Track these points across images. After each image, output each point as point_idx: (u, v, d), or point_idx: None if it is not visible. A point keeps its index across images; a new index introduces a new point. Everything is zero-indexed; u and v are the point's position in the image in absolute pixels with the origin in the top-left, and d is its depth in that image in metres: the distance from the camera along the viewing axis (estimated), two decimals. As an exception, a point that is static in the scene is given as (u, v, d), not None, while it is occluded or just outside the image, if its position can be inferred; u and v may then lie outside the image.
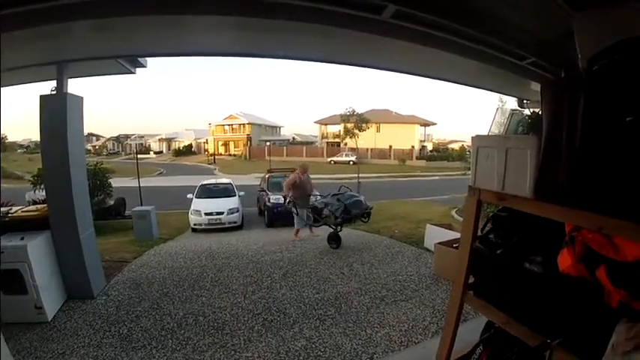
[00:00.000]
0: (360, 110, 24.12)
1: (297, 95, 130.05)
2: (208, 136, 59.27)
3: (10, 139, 57.06)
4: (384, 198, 17.18)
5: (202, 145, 60.17)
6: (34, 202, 7.82)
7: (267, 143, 44.35)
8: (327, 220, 7.73)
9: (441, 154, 45.62)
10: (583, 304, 1.56)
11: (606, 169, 1.48)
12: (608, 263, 1.40)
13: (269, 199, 12.08)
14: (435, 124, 53.02)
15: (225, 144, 58.32)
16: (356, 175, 18.53)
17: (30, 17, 2.78)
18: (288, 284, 5.50)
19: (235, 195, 13.04)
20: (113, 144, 71.85)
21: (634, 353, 1.27)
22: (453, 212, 12.17)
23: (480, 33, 3.51)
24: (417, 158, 43.14)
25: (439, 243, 5.79)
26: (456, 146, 49.36)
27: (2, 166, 27.68)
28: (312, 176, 9.47)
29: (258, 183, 15.82)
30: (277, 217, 11.70)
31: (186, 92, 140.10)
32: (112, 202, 12.28)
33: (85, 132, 6.17)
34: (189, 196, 12.85)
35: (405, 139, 45.11)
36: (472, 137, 2.47)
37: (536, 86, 5.31)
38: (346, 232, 8.97)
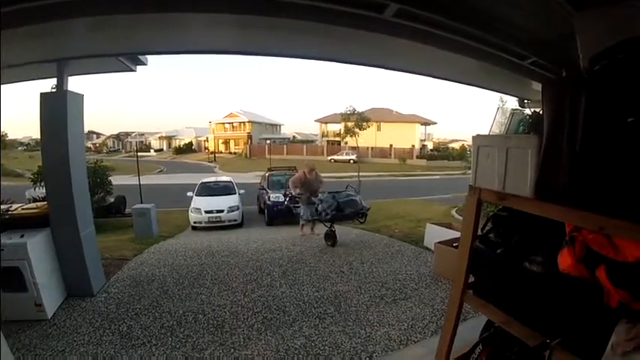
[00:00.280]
0: (360, 109, 24.15)
1: (298, 94, 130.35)
2: (209, 134, 59.32)
3: (11, 136, 57.21)
4: (384, 197, 17.22)
5: (203, 143, 60.20)
6: (34, 200, 7.82)
7: (268, 141, 44.36)
8: (320, 216, 7.85)
9: (441, 153, 45.61)
10: (583, 304, 1.56)
11: (607, 170, 1.47)
12: (608, 263, 1.40)
13: (269, 197, 12.08)
14: (436, 123, 53.12)
15: (226, 142, 58.36)
16: (356, 174, 18.52)
17: (30, 14, 2.78)
18: (288, 282, 5.51)
19: (235, 193, 13.04)
20: (113, 142, 71.88)
21: (633, 354, 1.28)
22: (453, 211, 12.18)
23: (481, 32, 3.50)
24: (417, 157, 43.15)
25: (439, 242, 5.79)
26: (456, 145, 49.38)
27: (3, 164, 27.75)
28: (300, 172, 9.46)
29: (259, 181, 15.82)
30: (277, 216, 11.72)
31: (187, 90, 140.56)
32: (112, 200, 12.30)
33: (86, 130, 6.17)
34: (190, 194, 12.85)
35: (405, 138, 45.13)
36: (473, 137, 2.47)
37: (537, 86, 5.30)
38: (346, 231, 9.02)
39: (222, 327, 4.18)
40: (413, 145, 45.64)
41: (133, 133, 62.93)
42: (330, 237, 7.71)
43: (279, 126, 66.09)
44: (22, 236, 4.27)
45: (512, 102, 7.43)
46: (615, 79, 1.54)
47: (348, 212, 7.64)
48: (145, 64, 5.40)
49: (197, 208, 11.79)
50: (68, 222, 4.73)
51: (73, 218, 4.75)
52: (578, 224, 1.51)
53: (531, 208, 1.77)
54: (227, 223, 11.67)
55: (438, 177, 31.37)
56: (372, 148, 44.01)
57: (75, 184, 4.77)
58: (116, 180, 13.28)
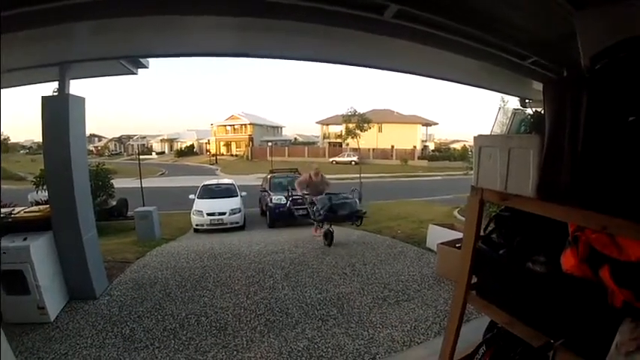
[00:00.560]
0: (361, 110, 24.11)
1: (299, 96, 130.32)
2: (210, 137, 59.34)
3: (13, 140, 57.44)
4: (386, 198, 17.21)
5: (204, 145, 60.27)
6: (37, 203, 7.81)
7: (269, 144, 44.42)
8: (314, 215, 8.15)
9: (443, 154, 45.53)
10: (586, 304, 1.55)
11: (609, 169, 1.47)
12: (612, 263, 1.39)
13: (271, 199, 12.07)
14: (437, 124, 53.00)
15: (227, 144, 58.38)
16: (358, 176, 18.50)
17: (32, 18, 2.79)
18: (291, 284, 5.50)
19: (237, 195, 13.03)
20: (115, 145, 72.00)
21: (638, 353, 1.27)
22: (456, 212, 12.15)
23: (482, 32, 3.51)
24: (418, 158, 43.06)
25: (442, 243, 5.78)
26: (458, 146, 49.33)
27: (5, 167, 27.83)
28: (305, 174, 9.61)
29: (260, 183, 15.81)
30: (279, 218, 11.71)
31: (188, 93, 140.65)
32: (114, 203, 12.31)
33: (87, 133, 6.20)
34: (192, 196, 12.83)
35: (406, 139, 45.07)
36: (474, 137, 2.46)
37: (538, 86, 5.29)
38: (348, 233, 9.04)
39: (225, 329, 4.17)
40: (414, 146, 45.58)
41: (134, 136, 63.25)
42: (328, 236, 7.89)
43: (281, 128, 66.12)
44: (24, 239, 4.28)
45: (513, 102, 7.42)
46: (616, 78, 1.53)
47: (341, 214, 7.76)
48: (146, 67, 5.42)
49: (199, 211, 11.78)
50: (70, 225, 4.74)
51: (76, 221, 4.76)
52: (581, 224, 1.51)
53: (534, 208, 1.76)
54: (229, 226, 11.65)
55: (439, 178, 31.30)
56: (373, 149, 43.99)
57: (77, 187, 4.78)
58: (118, 183, 13.29)
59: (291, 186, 12.17)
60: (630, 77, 1.47)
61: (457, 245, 5.34)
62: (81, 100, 5.04)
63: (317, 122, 54.46)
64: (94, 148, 63.53)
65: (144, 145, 60.55)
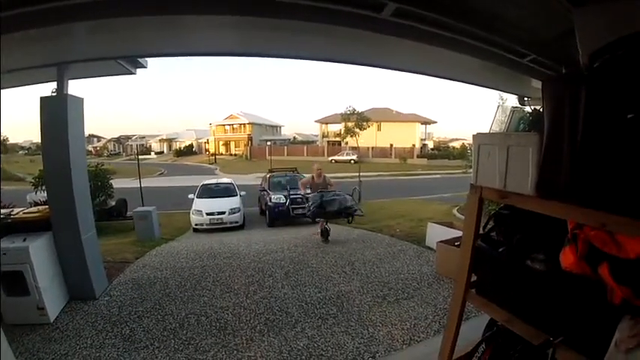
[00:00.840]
0: (360, 109, 24.05)
1: (298, 94, 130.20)
2: (209, 136, 59.36)
3: (12, 140, 57.31)
4: (386, 196, 17.22)
5: (203, 145, 60.27)
6: (36, 204, 7.81)
7: (268, 143, 44.30)
8: (306, 211, 8.59)
9: (442, 152, 45.60)
10: (586, 301, 1.56)
11: (608, 166, 1.47)
12: (611, 260, 1.39)
13: (270, 198, 12.06)
14: (436, 122, 53.09)
15: (226, 144, 58.42)
16: (357, 174, 18.48)
17: (30, 18, 2.78)
18: (290, 284, 5.51)
19: (236, 195, 13.02)
20: (114, 145, 71.98)
21: (637, 350, 1.27)
22: (455, 210, 12.15)
23: (480, 30, 3.50)
24: (417, 157, 43.12)
25: (441, 241, 5.79)
26: (456, 144, 49.37)
27: (4, 168, 27.79)
28: (308, 175, 9.78)
29: (260, 183, 15.80)
30: (278, 217, 11.71)
31: (187, 92, 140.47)
32: (113, 203, 12.27)
33: (86, 133, 6.18)
34: (191, 196, 12.83)
35: (405, 137, 45.13)
36: (473, 135, 2.45)
37: (536, 83, 5.30)
38: (348, 231, 9.09)
39: (225, 329, 4.18)
40: (413, 145, 45.63)
41: (133, 136, 63.07)
42: (324, 234, 8.24)
43: (280, 127, 66.13)
44: (24, 240, 4.28)
45: (512, 100, 7.42)
46: (615, 75, 1.53)
47: (329, 210, 7.90)
48: (144, 66, 5.41)
49: (198, 210, 11.78)
50: (70, 225, 4.73)
51: (75, 222, 4.75)
52: (579, 221, 1.51)
53: (533, 206, 1.77)
54: (228, 225, 11.64)
55: (438, 176, 31.34)
56: (372, 148, 44.01)
57: (76, 187, 4.77)
58: (117, 183, 13.26)
59: (290, 185, 12.19)
60: (629, 75, 1.47)
61: (456, 243, 5.34)
62: (79, 101, 5.02)
63: (316, 121, 54.55)
64: (92, 149, 63.49)
65: (143, 145, 60.43)
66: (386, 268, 6.09)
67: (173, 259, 7.16)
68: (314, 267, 6.28)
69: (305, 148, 49.55)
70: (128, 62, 5.09)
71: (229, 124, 57.96)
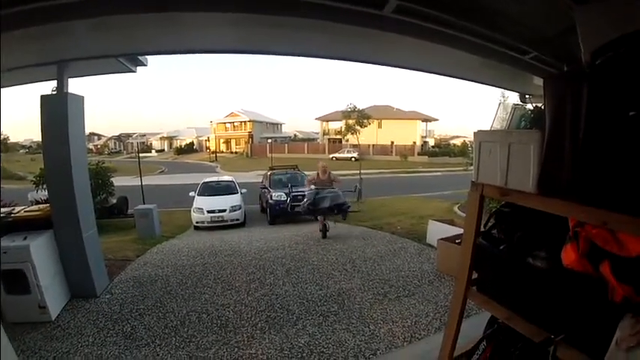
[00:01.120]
0: (361, 106, 24.01)
1: (298, 92, 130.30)
2: (210, 134, 59.37)
3: (13, 139, 57.39)
4: (386, 194, 17.21)
5: (204, 142, 60.26)
6: (37, 202, 7.82)
7: (269, 140, 44.27)
8: (301, 208, 9.00)
9: (442, 149, 45.55)
10: (587, 299, 1.55)
11: (610, 164, 1.46)
12: (612, 258, 1.39)
13: (271, 196, 12.05)
14: (437, 119, 53.04)
15: (227, 142, 58.40)
16: (358, 172, 18.47)
17: (29, 16, 2.77)
18: (291, 281, 5.51)
19: (237, 192, 13.02)
20: (115, 143, 71.96)
21: (638, 349, 1.27)
22: (456, 208, 12.14)
23: (482, 28, 3.49)
24: (418, 154, 43.05)
25: (442, 239, 5.79)
26: (457, 142, 49.30)
27: (5, 167, 27.84)
28: (312, 173, 9.79)
29: (260, 180, 15.80)
30: (279, 214, 11.71)
31: (187, 90, 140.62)
32: (114, 201, 12.28)
33: (87, 131, 6.18)
34: (192, 194, 12.84)
35: (406, 135, 45.08)
36: (474, 132, 2.45)
37: (538, 81, 5.28)
38: (349, 229, 9.12)
39: (226, 326, 4.18)
40: (414, 142, 45.59)
41: (134, 134, 62.99)
42: (322, 229, 8.41)
43: (280, 125, 66.11)
44: (25, 239, 4.28)
45: (513, 97, 7.40)
46: (617, 72, 1.53)
47: (321, 207, 8.20)
48: (144, 64, 5.40)
49: (199, 208, 11.77)
50: (71, 224, 4.74)
51: (76, 220, 4.76)
52: (581, 219, 1.51)
53: (534, 204, 1.76)
54: (229, 223, 11.64)
55: (439, 174, 31.29)
56: (373, 145, 44.00)
57: (77, 185, 4.77)
58: (118, 181, 13.28)
59: (291, 183, 12.19)
60: (631, 72, 1.47)
61: (457, 241, 5.34)
62: (80, 99, 5.02)
63: (316, 119, 54.52)
64: (93, 147, 63.51)
65: (143, 143, 60.35)
66: (387, 265, 6.09)
67: (174, 256, 7.17)
68: (315, 264, 6.29)
69: (306, 145, 49.55)
70: (128, 60, 5.08)
71: (230, 122, 57.95)
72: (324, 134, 52.71)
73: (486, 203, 2.24)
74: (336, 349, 3.66)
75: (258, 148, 48.37)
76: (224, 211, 11.67)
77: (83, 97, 5.08)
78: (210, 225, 11.46)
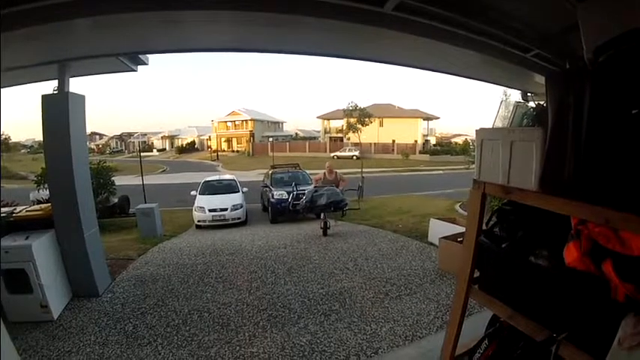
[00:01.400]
0: (362, 105, 23.97)
1: (300, 91, 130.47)
2: (211, 133, 59.36)
3: (14, 139, 57.53)
4: (388, 192, 17.20)
5: (205, 141, 60.30)
6: (38, 202, 7.83)
7: (270, 139, 44.38)
8: (300, 206, 9.32)
9: (444, 148, 45.46)
10: (589, 298, 1.55)
11: (613, 162, 1.46)
12: (615, 257, 1.38)
13: (273, 195, 12.04)
14: (439, 118, 52.87)
15: (228, 140, 58.39)
16: (359, 170, 18.45)
17: (30, 16, 2.78)
18: (293, 280, 5.51)
19: (239, 191, 13.01)
20: (116, 142, 72.17)
21: (641, 348, 1.26)
22: (457, 206, 12.12)
23: (484, 25, 3.48)
24: (420, 152, 43.00)
25: (443, 237, 5.78)
26: (459, 140, 49.24)
27: (6, 167, 27.91)
28: (313, 171, 10.15)
29: (262, 179, 15.80)
30: (281, 213, 11.69)
31: (189, 89, 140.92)
32: (115, 200, 12.29)
33: (88, 131, 6.19)
34: (193, 192, 12.84)
35: (408, 133, 45.00)
36: (476, 130, 2.45)
37: (540, 79, 5.26)
38: (351, 227, 9.14)
39: (228, 325, 4.19)
40: (415, 141, 45.52)
41: (135, 133, 63.29)
42: (322, 226, 8.52)
43: (282, 123, 66.12)
44: (26, 238, 4.29)
45: (515, 95, 7.39)
46: (620, 70, 1.52)
47: (319, 204, 8.43)
48: (145, 63, 5.41)
49: (201, 207, 11.77)
50: (72, 223, 4.75)
51: (77, 219, 4.77)
52: (583, 217, 1.50)
53: (536, 202, 1.75)
54: (231, 222, 11.64)
55: (441, 172, 31.24)
56: (374, 143, 43.93)
57: (78, 185, 4.78)
58: (119, 180, 13.31)
59: (294, 181, 12.19)
60: (633, 69, 1.46)
61: (459, 239, 5.34)
62: (81, 98, 5.03)
63: (318, 117, 54.40)
64: (94, 146, 63.68)
65: (145, 142, 60.53)
66: (388, 264, 6.09)
67: (176, 255, 7.18)
68: (316, 263, 6.29)
69: (307, 144, 49.52)
70: (129, 59, 5.09)
71: (231, 121, 57.95)
72: (325, 133, 52.68)
73: (488, 201, 2.23)
74: (337, 347, 3.65)
75: (260, 147, 48.38)
76: (226, 209, 11.67)
77: (84, 96, 5.09)
78: (211, 224, 11.46)
